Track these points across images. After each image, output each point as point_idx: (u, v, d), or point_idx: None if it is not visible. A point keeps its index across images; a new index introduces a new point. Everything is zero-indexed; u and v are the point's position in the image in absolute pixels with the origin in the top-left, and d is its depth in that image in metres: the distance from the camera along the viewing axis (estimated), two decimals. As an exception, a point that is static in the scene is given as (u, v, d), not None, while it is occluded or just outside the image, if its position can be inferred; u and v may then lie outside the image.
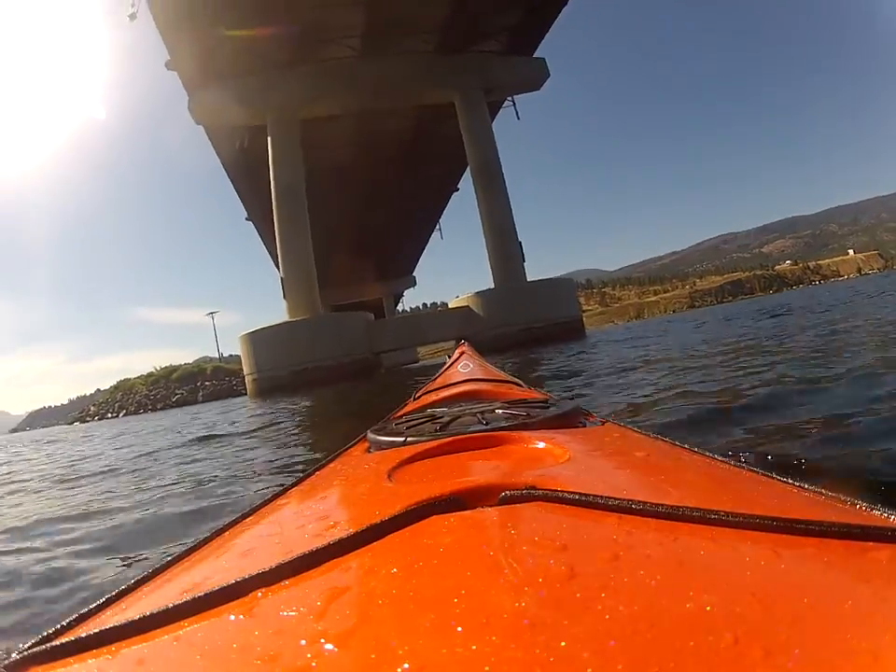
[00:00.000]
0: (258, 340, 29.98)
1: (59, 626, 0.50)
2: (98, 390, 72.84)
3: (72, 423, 66.56)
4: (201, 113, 31.79)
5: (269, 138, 30.84)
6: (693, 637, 0.31)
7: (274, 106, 30.46)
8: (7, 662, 0.42)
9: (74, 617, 0.52)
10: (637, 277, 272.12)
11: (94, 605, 0.54)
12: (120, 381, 72.22)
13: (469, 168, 34.12)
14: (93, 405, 73.41)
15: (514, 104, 36.84)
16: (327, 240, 49.38)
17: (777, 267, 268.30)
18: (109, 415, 61.64)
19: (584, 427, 1.13)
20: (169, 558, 0.65)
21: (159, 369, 69.53)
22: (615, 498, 0.51)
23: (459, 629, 0.34)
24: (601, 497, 0.52)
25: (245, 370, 31.18)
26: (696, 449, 0.87)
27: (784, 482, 0.65)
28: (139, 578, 0.60)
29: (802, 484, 0.63)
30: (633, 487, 0.63)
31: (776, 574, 0.39)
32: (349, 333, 29.33)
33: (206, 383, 60.59)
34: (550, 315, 30.32)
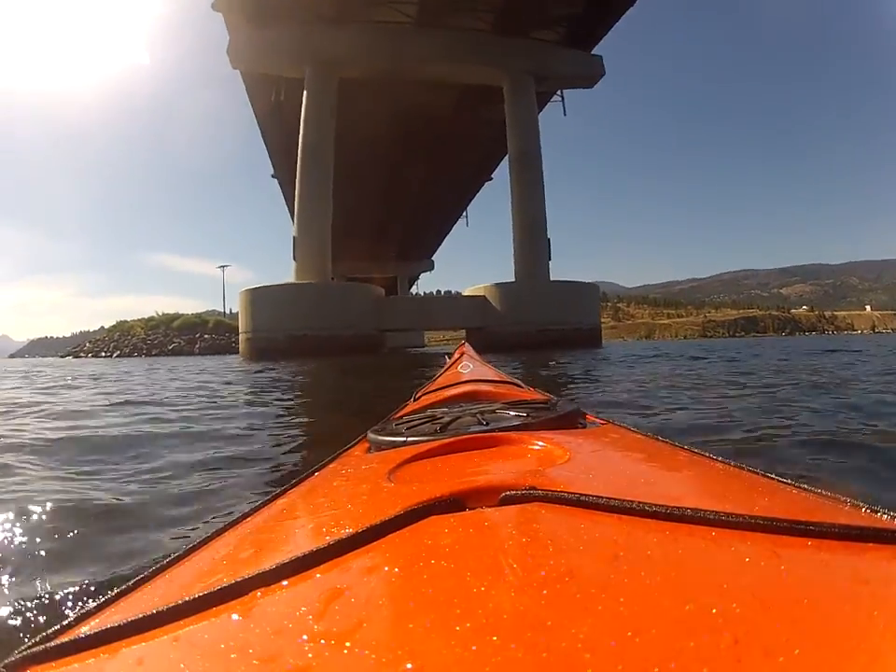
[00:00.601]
0: (258, 297, 28.79)
1: (59, 626, 0.50)
2: (102, 328, 71.85)
3: (65, 356, 67.21)
4: (239, 58, 30.53)
5: (304, 92, 29.68)
6: (693, 637, 0.31)
7: (316, 59, 29.31)
8: (7, 662, 0.42)
9: (74, 617, 0.51)
10: (654, 298, 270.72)
11: (94, 605, 0.54)
12: (119, 321, 71.68)
13: (507, 157, 32.81)
14: (89, 342, 72.64)
15: (563, 99, 35.60)
16: (349, 210, 48.36)
17: (793, 310, 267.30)
18: (103, 354, 61.12)
19: (584, 427, 1.13)
20: (169, 558, 0.64)
21: (161, 314, 68.84)
22: (615, 499, 0.51)
23: (459, 629, 0.34)
24: (601, 497, 0.52)
25: (241, 327, 30.08)
26: (696, 449, 0.87)
27: (784, 482, 0.66)
28: (139, 578, 0.59)
29: (802, 484, 0.63)
30: (633, 488, 0.62)
31: (776, 574, 0.39)
32: (356, 305, 28.19)
33: (206, 336, 59.79)
34: (569, 319, 29.10)
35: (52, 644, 0.43)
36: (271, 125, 37.86)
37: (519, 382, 2.02)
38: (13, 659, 0.42)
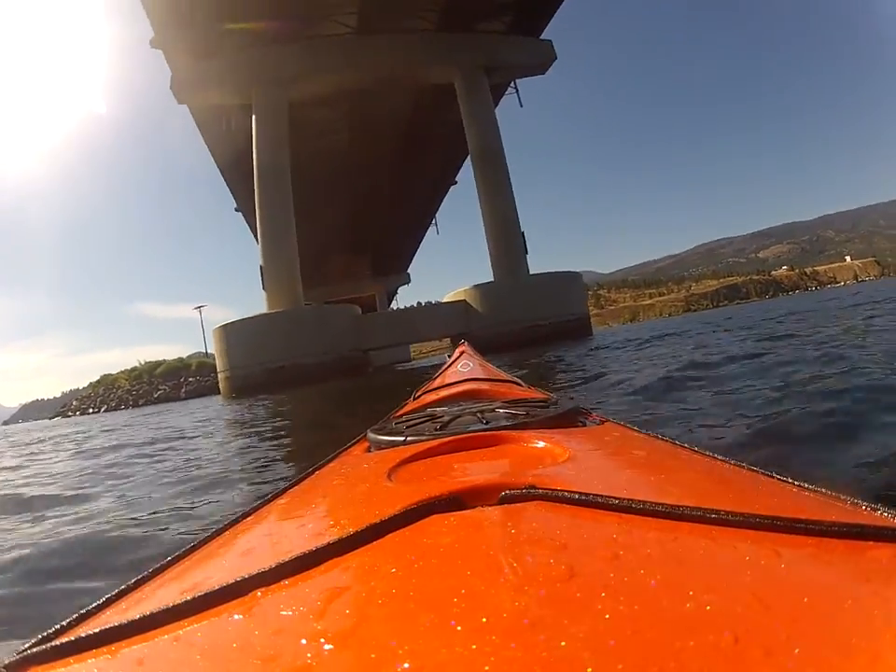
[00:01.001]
0: (231, 333, 27.67)
1: (59, 626, 0.50)
2: (90, 384, 70.61)
3: (53, 417, 65.75)
4: (183, 92, 29.74)
5: (253, 116, 28.78)
6: (693, 636, 0.31)
7: (262, 82, 28.48)
8: (7, 662, 0.42)
9: (74, 617, 0.52)
10: (633, 280, 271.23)
11: (94, 605, 0.54)
12: (103, 375, 70.57)
13: (469, 156, 32.05)
14: (76, 400, 71.28)
15: (517, 90, 34.97)
16: (319, 234, 47.58)
17: (773, 272, 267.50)
18: (90, 411, 59.88)
19: (584, 426, 1.14)
20: (169, 558, 0.65)
21: (143, 363, 67.58)
22: (615, 498, 0.51)
23: (459, 629, 0.34)
24: (601, 496, 0.52)
25: (218, 366, 29.00)
26: (696, 448, 0.87)
27: (784, 481, 0.66)
28: (139, 578, 0.60)
29: (802, 484, 0.63)
30: (633, 486, 0.63)
31: (776, 574, 0.39)
32: (334, 328, 27.18)
33: (190, 378, 58.18)
34: (556, 312, 28.21)
35: (52, 644, 0.42)
36: (225, 156, 36.77)
37: (519, 380, 2.02)
38: (13, 659, 0.42)
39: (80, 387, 70.15)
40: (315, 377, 22.43)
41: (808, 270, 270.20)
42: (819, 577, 0.39)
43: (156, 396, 57.47)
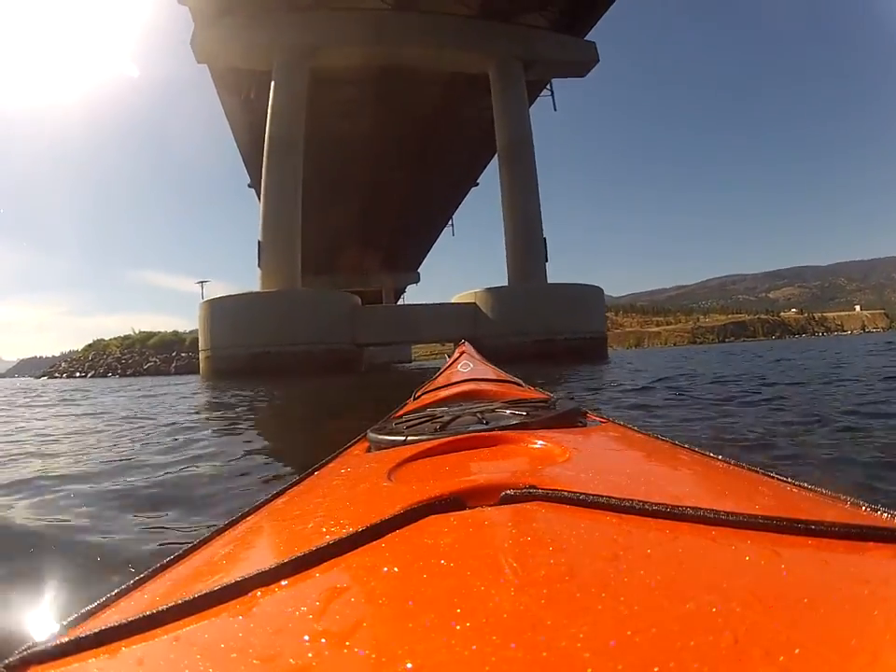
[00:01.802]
0: (217, 309, 25.51)
1: (59, 626, 0.50)
2: (83, 347, 69.32)
3: (40, 377, 65.27)
4: (204, 52, 27.75)
5: (272, 83, 26.88)
6: (693, 636, 0.31)
7: (285, 48, 26.56)
8: (7, 662, 0.43)
9: (74, 617, 0.52)
10: (641, 306, 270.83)
11: (94, 605, 0.54)
12: (96, 340, 69.24)
13: (495, 155, 30.02)
14: (65, 362, 70.37)
15: (552, 93, 33.08)
16: (330, 220, 46.02)
17: (782, 314, 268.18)
18: (77, 374, 58.74)
19: (585, 426, 1.13)
20: (169, 558, 0.65)
21: (137, 332, 66.13)
22: (615, 498, 0.51)
23: (459, 628, 0.34)
24: (601, 496, 0.52)
25: (200, 344, 26.83)
26: (696, 449, 0.88)
27: (784, 481, 0.67)
28: (139, 578, 0.60)
29: (802, 484, 0.64)
30: (633, 487, 0.63)
31: (776, 574, 0.39)
32: (328, 316, 24.88)
33: (182, 354, 56.15)
34: (571, 328, 25.95)
35: (52, 644, 0.42)
36: (242, 128, 34.94)
37: (519, 381, 2.05)
38: (13, 659, 0.42)
39: (79, 349, 68.25)
40: (300, 369, 20.62)
41: (817, 315, 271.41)
42: (819, 577, 0.39)
43: (145, 367, 56.16)
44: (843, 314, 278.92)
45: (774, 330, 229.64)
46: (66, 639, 0.43)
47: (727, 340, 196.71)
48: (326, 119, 31.99)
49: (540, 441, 0.84)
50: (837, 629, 0.32)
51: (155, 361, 56.96)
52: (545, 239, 28.90)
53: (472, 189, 47.81)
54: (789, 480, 0.66)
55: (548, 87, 32.77)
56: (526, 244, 28.45)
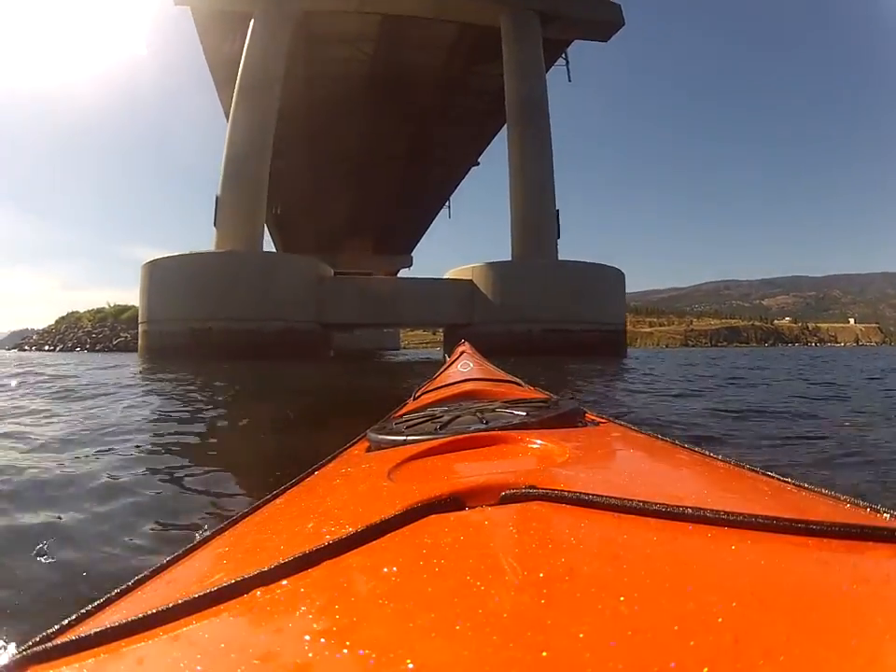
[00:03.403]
0: (157, 273, 21.58)
1: (59, 626, 0.50)
2: (56, 319, 66.44)
3: (11, 349, 62.73)
4: None
5: (251, 22, 23.48)
6: (693, 636, 0.31)
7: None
8: (7, 662, 0.42)
9: (74, 617, 0.52)
10: (635, 306, 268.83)
11: (94, 605, 0.54)
12: (69, 312, 66.04)
13: (504, 120, 26.06)
14: (36, 334, 67.33)
15: (567, 62, 29.73)
16: (318, 191, 43.17)
17: (775, 321, 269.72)
18: (46, 347, 55.85)
19: (585, 426, 1.13)
20: (169, 558, 0.65)
21: (111, 306, 62.89)
22: (615, 498, 0.52)
23: (459, 628, 0.34)
24: (601, 496, 0.52)
25: (140, 316, 23.05)
26: (696, 448, 0.88)
27: (784, 481, 0.67)
28: (139, 578, 0.60)
29: (802, 484, 0.64)
30: (633, 487, 0.64)
31: (776, 574, 0.39)
32: (288, 287, 20.85)
33: (154, 329, 53.14)
34: (588, 316, 22.04)
35: (52, 644, 0.43)
36: (227, 81, 31.84)
37: (519, 380, 2.01)
38: (13, 659, 0.42)
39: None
40: (249, 351, 17.10)
41: (811, 325, 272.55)
42: (818, 577, 0.40)
43: (114, 343, 53.11)
44: (837, 325, 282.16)
45: (767, 338, 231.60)
46: (66, 639, 0.43)
47: (720, 344, 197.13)
48: (318, 79, 29.20)
49: (540, 441, 0.84)
50: (837, 629, 0.32)
51: (125, 337, 53.34)
52: (558, 211, 24.87)
53: (473, 168, 44.69)
54: (789, 480, 0.65)
55: (563, 55, 29.54)
56: (536, 216, 24.06)
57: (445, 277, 25.25)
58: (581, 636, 0.32)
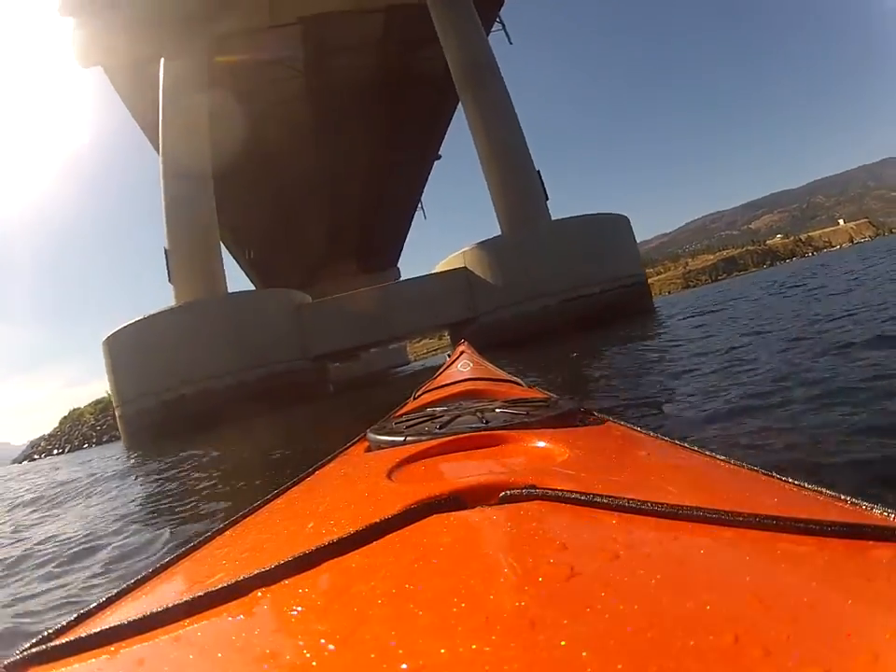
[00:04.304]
0: (118, 346, 19.19)
1: (59, 626, 0.51)
2: (60, 420, 65.36)
3: (22, 461, 59.60)
4: (86, 54, 22.93)
5: (161, 62, 21.69)
6: (693, 636, 0.31)
7: (174, 21, 21.26)
8: (7, 662, 0.43)
9: (74, 617, 0.52)
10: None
11: (94, 605, 0.55)
12: (71, 410, 64.98)
13: (455, 107, 24.40)
14: (44, 440, 65.33)
15: (504, 25, 28.32)
16: (288, 225, 41.86)
17: (768, 241, 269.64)
18: (55, 451, 53.86)
19: (585, 425, 1.12)
20: (169, 558, 0.66)
21: (109, 393, 60.53)
22: (615, 497, 0.52)
23: (459, 628, 0.35)
24: (601, 496, 0.52)
25: (113, 400, 20.94)
26: (696, 448, 0.87)
27: (784, 481, 0.67)
28: (139, 578, 0.61)
29: (802, 484, 0.64)
30: (633, 486, 0.64)
31: (776, 574, 0.40)
32: (264, 326, 18.51)
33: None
34: (604, 274, 19.33)
35: (52, 644, 0.43)
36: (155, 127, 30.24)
37: (519, 380, 1.99)
38: (13, 659, 0.42)
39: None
40: (231, 410, 14.52)
41: (803, 237, 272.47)
42: (819, 577, 0.40)
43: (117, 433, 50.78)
44: (828, 230, 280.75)
45: (763, 260, 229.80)
46: (66, 639, 0.43)
47: (720, 278, 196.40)
48: (259, 109, 27.41)
49: (540, 441, 0.84)
50: (837, 629, 0.32)
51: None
52: (539, 172, 22.32)
53: (436, 162, 43.07)
54: (789, 480, 0.65)
55: (498, 19, 27.99)
56: (517, 182, 21.49)
57: (438, 271, 22.53)
58: (582, 636, 0.32)
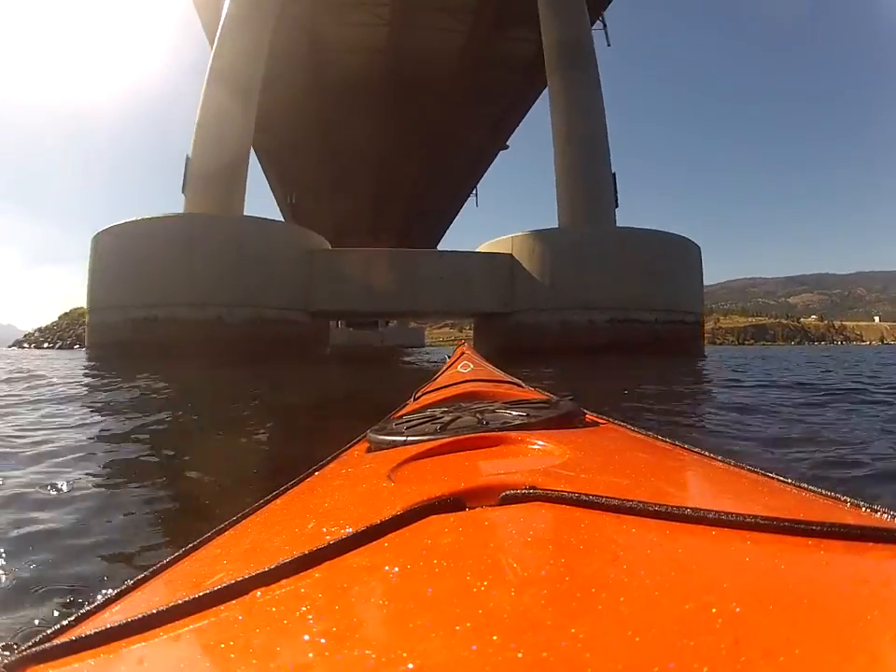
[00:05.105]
0: (100, 247, 17.01)
1: (59, 626, 0.51)
2: (59, 316, 64.64)
3: (11, 346, 59.97)
4: None
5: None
6: (693, 636, 0.32)
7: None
8: (6, 662, 0.43)
9: (74, 617, 0.53)
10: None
11: (94, 605, 0.55)
12: (73, 308, 63.77)
13: (544, 79, 21.18)
14: (38, 331, 64.86)
15: (605, 26, 26.32)
16: (335, 188, 40.75)
17: (801, 320, 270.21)
18: (46, 345, 53.37)
19: (585, 426, 1.13)
20: (169, 558, 0.65)
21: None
22: (615, 498, 0.52)
23: (460, 629, 0.35)
24: (601, 497, 0.53)
25: (86, 302, 18.34)
26: (696, 449, 0.88)
27: (784, 481, 0.67)
28: (139, 577, 0.61)
29: (802, 484, 0.65)
30: (633, 487, 0.64)
31: (776, 574, 0.40)
32: (265, 261, 15.94)
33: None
34: (663, 304, 17.07)
35: (52, 644, 0.43)
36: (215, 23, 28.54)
37: (519, 381, 1.98)
38: (13, 659, 0.43)
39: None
40: (203, 349, 12.77)
41: (837, 323, 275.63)
42: (819, 577, 0.40)
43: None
44: (862, 324, 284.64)
45: (793, 336, 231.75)
46: (66, 639, 0.43)
47: (747, 342, 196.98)
48: (333, 54, 26.67)
49: (541, 442, 0.85)
50: (837, 629, 0.32)
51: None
52: (615, 174, 19.71)
53: (501, 152, 41.41)
54: (789, 480, 0.66)
55: (601, 18, 26.08)
56: (589, 176, 18.74)
57: (481, 251, 19.84)
58: (582, 636, 0.32)
